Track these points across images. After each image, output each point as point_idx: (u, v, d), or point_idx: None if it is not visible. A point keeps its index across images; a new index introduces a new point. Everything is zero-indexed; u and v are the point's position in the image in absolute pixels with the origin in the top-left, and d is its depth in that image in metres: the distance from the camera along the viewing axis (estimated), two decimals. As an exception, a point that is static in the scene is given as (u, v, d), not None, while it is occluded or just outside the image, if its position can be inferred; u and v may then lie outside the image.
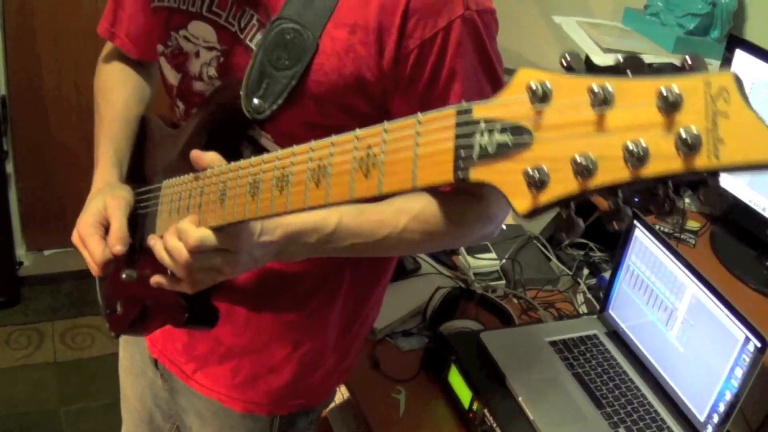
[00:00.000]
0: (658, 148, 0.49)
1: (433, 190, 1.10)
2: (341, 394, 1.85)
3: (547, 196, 0.54)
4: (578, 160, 0.52)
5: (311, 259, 1.21)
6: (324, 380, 1.38)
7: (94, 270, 1.12)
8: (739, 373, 1.45)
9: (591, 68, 0.54)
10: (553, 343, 1.77)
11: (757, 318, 1.44)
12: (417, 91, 1.03)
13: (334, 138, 0.76)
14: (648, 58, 1.90)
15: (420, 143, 0.65)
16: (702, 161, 0.48)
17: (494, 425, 1.54)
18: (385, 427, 1.64)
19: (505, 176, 0.57)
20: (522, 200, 0.56)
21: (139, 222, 1.18)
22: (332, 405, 1.86)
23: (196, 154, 0.98)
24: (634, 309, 1.78)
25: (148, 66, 1.40)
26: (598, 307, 2.00)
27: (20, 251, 3.44)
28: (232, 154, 1.13)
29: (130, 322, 1.25)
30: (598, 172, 0.52)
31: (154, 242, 1.04)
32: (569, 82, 0.54)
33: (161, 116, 1.34)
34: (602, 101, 0.51)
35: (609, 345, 1.80)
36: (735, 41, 1.76)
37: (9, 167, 3.23)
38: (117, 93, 1.34)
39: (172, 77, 1.21)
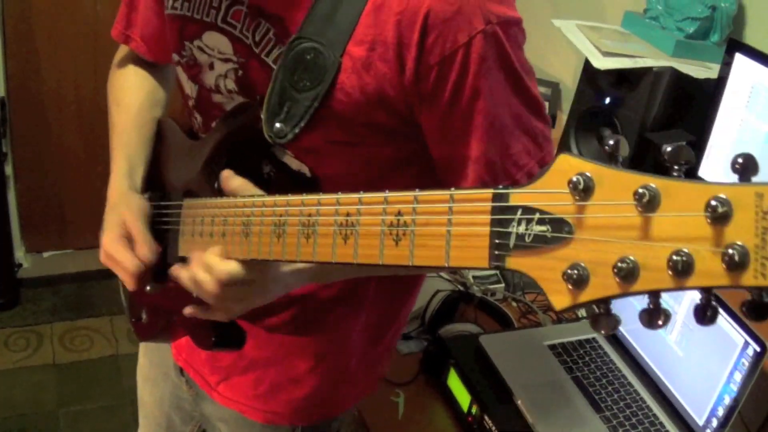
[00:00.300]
0: (703, 263, 0.48)
1: None
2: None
3: (586, 296, 0.54)
4: (621, 266, 0.51)
5: None
6: (349, 391, 1.36)
7: (131, 284, 1.11)
8: (738, 377, 1.45)
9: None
10: (552, 347, 1.77)
11: (756, 322, 1.44)
12: (440, 109, 0.99)
13: (362, 195, 0.74)
14: (648, 62, 1.91)
15: (453, 222, 0.63)
16: (749, 279, 0.47)
17: (493, 429, 1.54)
18: (384, 430, 1.64)
19: (543, 270, 0.56)
20: (560, 297, 0.55)
21: (162, 237, 1.17)
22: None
23: (226, 175, 0.98)
24: (633, 312, 1.77)
25: (163, 68, 1.38)
26: (597, 310, 1.99)
27: (19, 253, 3.44)
28: (253, 170, 1.09)
29: (156, 332, 1.26)
30: (639, 279, 0.51)
31: (178, 273, 1.03)
32: (613, 177, 0.53)
33: (176, 120, 1.32)
34: (647, 205, 0.50)
35: (608, 349, 1.80)
36: (735, 45, 1.76)
37: (8, 169, 3.22)
38: (130, 97, 1.32)
39: (189, 88, 1.19)
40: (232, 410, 1.34)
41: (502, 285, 2.10)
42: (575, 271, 0.53)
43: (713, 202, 0.47)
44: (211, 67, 1.12)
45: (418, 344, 1.88)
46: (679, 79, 1.89)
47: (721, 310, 1.47)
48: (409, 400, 1.72)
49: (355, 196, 0.75)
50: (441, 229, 0.64)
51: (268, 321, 1.25)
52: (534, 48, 2.75)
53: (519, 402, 1.58)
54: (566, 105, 2.50)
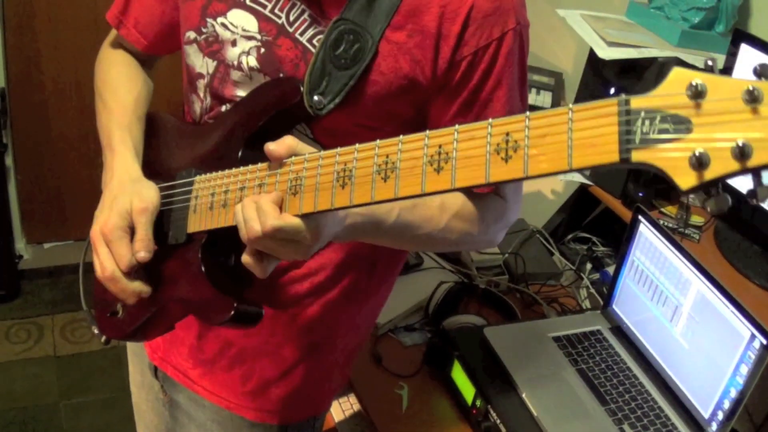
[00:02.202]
0: None
1: (467, 192, 1.14)
2: (350, 404, 1.84)
3: (710, 174, 0.61)
4: (740, 143, 0.59)
5: (327, 256, 1.22)
6: (332, 383, 1.37)
7: (108, 271, 1.08)
8: (745, 370, 1.44)
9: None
10: (557, 339, 1.76)
11: (762, 315, 1.44)
12: (460, 96, 1.08)
13: (458, 126, 0.80)
14: (652, 52, 1.89)
15: (574, 128, 0.70)
16: None
17: (497, 421, 1.54)
18: (387, 422, 1.64)
19: (667, 158, 0.64)
20: (687, 178, 0.63)
21: (163, 219, 1.14)
22: (342, 417, 1.85)
23: (272, 146, 0.95)
24: (639, 304, 1.77)
25: (150, 63, 1.38)
26: (601, 302, 1.99)
27: (20, 244, 3.43)
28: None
29: (135, 327, 1.19)
30: (754, 155, 0.59)
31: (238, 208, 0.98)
32: (722, 81, 0.62)
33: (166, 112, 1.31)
34: (754, 99, 0.60)
35: (613, 341, 1.79)
36: (740, 35, 1.74)
37: (8, 160, 3.21)
38: (127, 89, 1.30)
39: (203, 66, 1.18)
40: (218, 407, 1.31)
41: (506, 276, 2.09)
42: (699, 156, 0.61)
43: None
44: (234, 44, 1.13)
45: (422, 336, 1.88)
46: (685, 69, 1.87)
47: (727, 303, 1.47)
48: (413, 392, 1.71)
49: (450, 129, 0.80)
50: (561, 137, 0.71)
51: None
52: (538, 38, 2.74)
53: (523, 394, 1.58)
54: (570, 95, 2.48)
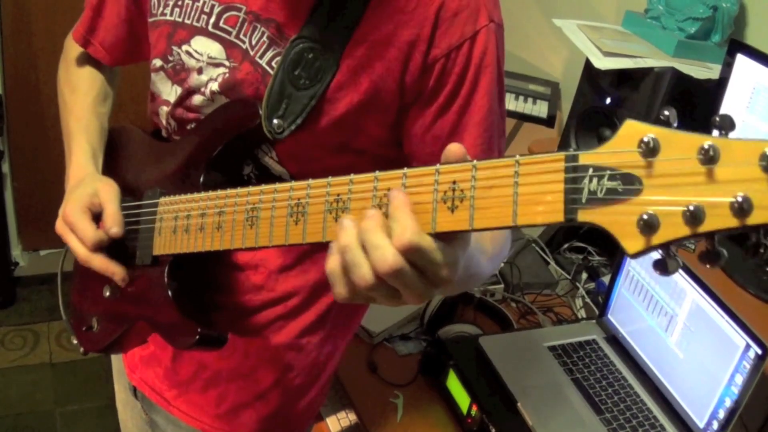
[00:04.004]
0: (760, 201, 0.55)
1: None
2: (347, 419, 1.83)
3: (658, 240, 0.59)
4: (691, 208, 0.57)
5: (300, 278, 1.20)
6: (309, 406, 1.34)
7: (83, 254, 1.09)
8: (740, 380, 1.44)
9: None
10: (552, 348, 1.76)
11: (757, 325, 1.44)
12: (436, 101, 1.04)
13: (407, 170, 0.75)
14: (649, 62, 1.90)
15: (520, 182, 0.68)
16: None
17: (493, 431, 1.53)
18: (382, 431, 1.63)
19: (614, 219, 0.62)
20: (633, 242, 0.61)
21: (125, 237, 1.13)
22: (338, 428, 1.84)
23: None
24: (634, 314, 1.77)
25: (111, 69, 1.39)
26: (596, 311, 1.99)
27: (16, 251, 3.43)
28: (234, 169, 1.11)
29: (109, 341, 1.19)
30: (706, 220, 0.57)
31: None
32: (677, 138, 0.59)
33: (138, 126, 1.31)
34: (710, 159, 0.56)
35: (608, 350, 1.79)
36: (736, 45, 1.75)
37: (5, 167, 3.22)
38: (86, 89, 1.33)
39: (170, 93, 1.18)
40: (193, 428, 1.30)
41: (502, 286, 2.09)
42: (646, 218, 0.59)
43: (767, 153, 0.54)
44: (200, 71, 1.12)
45: (417, 345, 1.87)
46: (680, 79, 1.88)
47: (722, 312, 1.47)
48: (409, 401, 1.71)
49: (399, 171, 0.76)
50: (506, 191, 0.68)
51: (234, 331, 1.21)
52: (534, 47, 2.75)
53: (519, 404, 1.57)
54: (566, 105, 2.49)
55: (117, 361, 1.46)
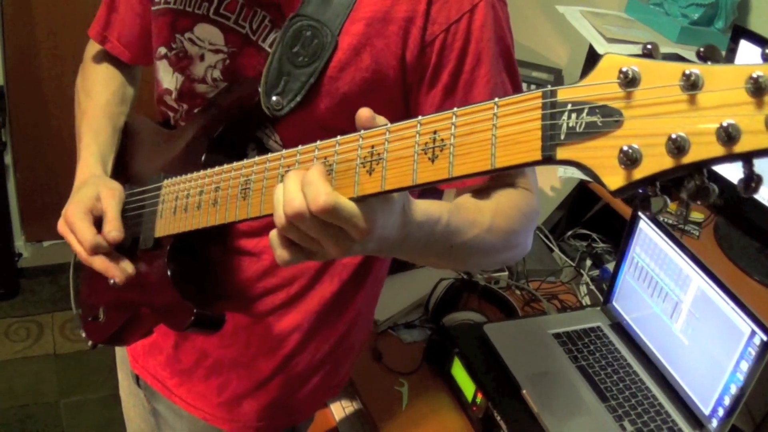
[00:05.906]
0: (749, 127, 0.51)
1: (496, 187, 1.06)
2: (352, 406, 1.84)
3: (640, 173, 0.56)
4: (673, 137, 0.53)
5: (300, 267, 1.19)
6: (312, 395, 1.34)
7: (83, 255, 1.11)
8: (745, 366, 1.44)
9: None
10: (557, 336, 1.76)
11: (763, 311, 1.43)
12: (441, 81, 1.02)
13: (390, 125, 0.75)
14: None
15: (498, 125, 0.66)
16: None
17: (498, 418, 1.53)
18: (387, 420, 1.63)
19: (594, 155, 0.59)
20: (614, 177, 0.57)
21: (130, 224, 1.15)
22: (342, 415, 1.85)
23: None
24: (639, 301, 1.77)
25: (132, 68, 1.39)
26: (601, 298, 1.99)
27: (19, 243, 3.43)
28: (237, 151, 1.11)
29: (114, 330, 1.21)
30: (691, 150, 0.53)
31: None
32: (658, 66, 0.56)
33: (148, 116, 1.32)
34: (692, 85, 0.53)
35: (613, 337, 1.79)
36: (739, 32, 1.74)
37: (8, 158, 3.21)
38: (102, 89, 1.33)
39: (170, 81, 1.19)
40: (194, 417, 1.31)
41: (506, 273, 2.09)
42: (628, 151, 0.56)
43: (753, 76, 0.51)
44: (202, 58, 1.13)
45: (422, 333, 1.87)
46: (684, 65, 1.87)
47: (728, 299, 1.47)
48: (413, 389, 1.71)
49: (382, 128, 0.75)
50: (485, 135, 0.66)
51: (235, 319, 1.23)
52: (537, 34, 2.74)
53: (524, 391, 1.57)
54: (569, 92, 2.48)
55: (120, 349, 1.47)
